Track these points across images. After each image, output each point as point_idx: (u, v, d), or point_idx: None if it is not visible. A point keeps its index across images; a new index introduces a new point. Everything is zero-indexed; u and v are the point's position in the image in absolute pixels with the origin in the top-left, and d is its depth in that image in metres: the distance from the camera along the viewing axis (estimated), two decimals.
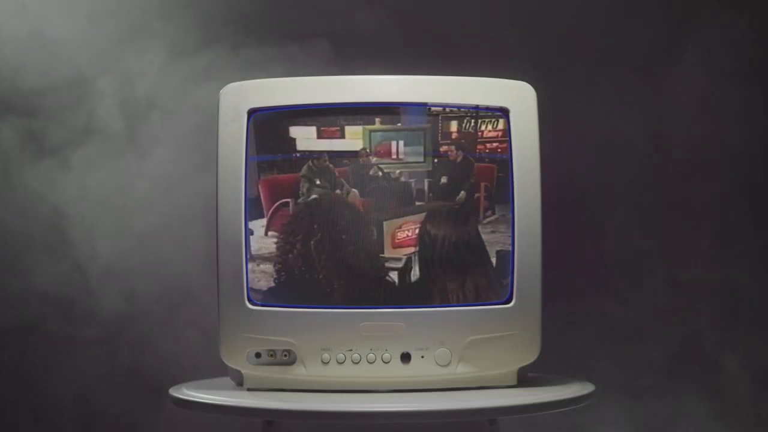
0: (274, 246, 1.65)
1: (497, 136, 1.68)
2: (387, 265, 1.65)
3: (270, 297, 1.65)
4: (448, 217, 1.66)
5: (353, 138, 1.67)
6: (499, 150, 1.67)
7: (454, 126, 1.67)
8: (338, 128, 1.67)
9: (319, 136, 1.67)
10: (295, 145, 1.67)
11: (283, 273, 1.65)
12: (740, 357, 2.24)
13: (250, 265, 1.64)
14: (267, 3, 2.23)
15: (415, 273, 1.65)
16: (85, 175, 2.20)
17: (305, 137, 1.67)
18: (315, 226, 1.65)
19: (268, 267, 1.66)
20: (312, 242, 1.65)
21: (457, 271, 1.66)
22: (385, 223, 1.66)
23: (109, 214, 2.20)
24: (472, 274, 1.66)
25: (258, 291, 1.65)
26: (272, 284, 1.65)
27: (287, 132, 1.67)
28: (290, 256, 1.65)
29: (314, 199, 1.66)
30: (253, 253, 1.65)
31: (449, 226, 1.66)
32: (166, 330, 2.18)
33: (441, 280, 1.65)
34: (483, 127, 1.68)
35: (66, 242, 2.19)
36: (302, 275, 1.65)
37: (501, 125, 1.67)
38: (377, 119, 1.67)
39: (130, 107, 2.21)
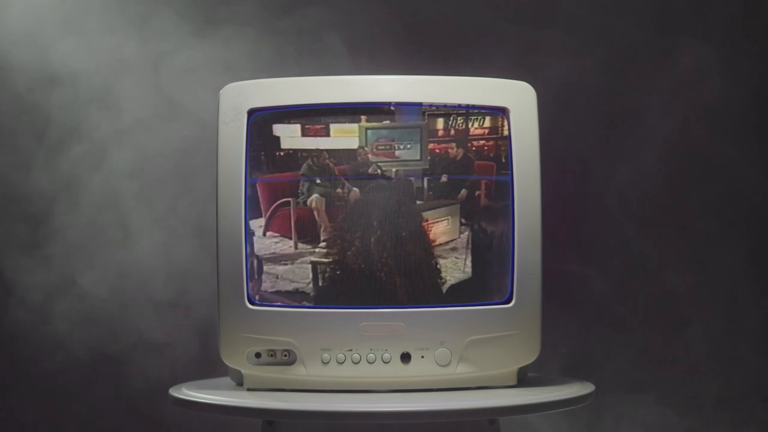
0: (324, 243, 1.66)
1: (496, 135, 1.67)
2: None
3: (270, 297, 1.65)
4: (499, 213, 1.67)
5: (353, 137, 1.67)
6: (495, 148, 1.67)
7: (453, 124, 1.67)
8: (339, 127, 1.67)
9: (319, 134, 1.67)
10: (294, 144, 1.67)
11: (338, 271, 1.65)
12: (741, 355, 2.24)
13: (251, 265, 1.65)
14: None
15: (465, 270, 1.66)
16: None
17: (305, 136, 1.67)
18: (375, 223, 1.65)
19: (271, 267, 1.66)
20: (372, 239, 1.65)
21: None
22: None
23: None
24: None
25: (262, 292, 1.65)
26: (325, 283, 1.65)
27: (286, 131, 1.67)
28: (349, 253, 1.65)
29: (371, 191, 1.66)
30: (256, 254, 1.65)
31: (502, 223, 1.66)
32: None
33: (496, 278, 1.66)
34: (481, 125, 1.68)
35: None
36: (362, 273, 1.65)
37: (500, 123, 1.67)
38: (379, 119, 1.67)
39: None
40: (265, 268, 1.66)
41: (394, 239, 1.65)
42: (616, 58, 2.23)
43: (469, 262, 1.66)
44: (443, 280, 1.66)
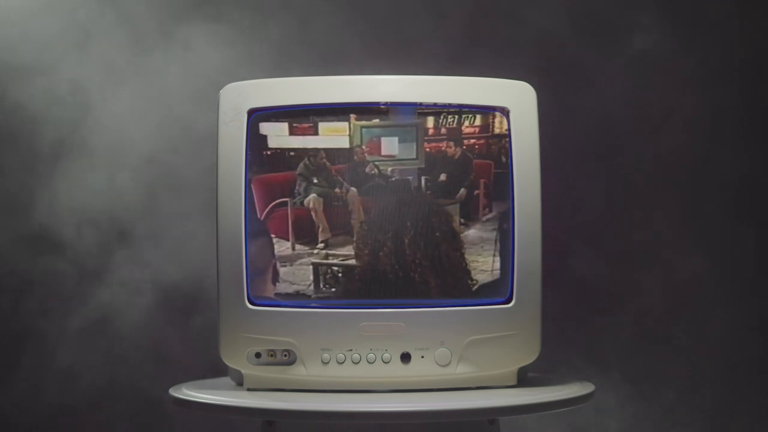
0: (353, 243, 1.65)
1: (493, 133, 1.68)
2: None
3: (270, 297, 1.65)
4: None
5: (353, 136, 1.67)
6: (493, 146, 1.67)
7: (451, 123, 1.67)
8: (338, 126, 1.67)
9: (316, 133, 1.67)
10: (292, 143, 1.67)
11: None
12: (740, 353, 2.25)
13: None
14: None
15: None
16: None
17: (303, 135, 1.67)
18: (408, 224, 1.65)
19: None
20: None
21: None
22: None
23: None
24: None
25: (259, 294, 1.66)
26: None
27: (285, 131, 1.67)
28: (381, 254, 1.65)
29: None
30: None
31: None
32: None
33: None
34: (480, 124, 1.68)
35: None
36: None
37: (491, 121, 1.68)
38: (381, 119, 1.67)
39: None
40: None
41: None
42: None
43: (469, 262, 1.66)
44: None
